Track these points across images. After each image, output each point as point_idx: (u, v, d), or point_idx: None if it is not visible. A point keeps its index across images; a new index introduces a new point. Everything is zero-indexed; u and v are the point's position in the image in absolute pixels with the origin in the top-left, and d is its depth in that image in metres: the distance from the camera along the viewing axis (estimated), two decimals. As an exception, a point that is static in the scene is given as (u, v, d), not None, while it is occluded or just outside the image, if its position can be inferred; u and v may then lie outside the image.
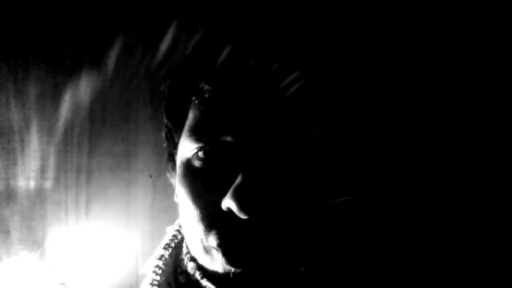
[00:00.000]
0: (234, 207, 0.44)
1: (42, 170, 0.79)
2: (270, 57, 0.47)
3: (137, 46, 0.77)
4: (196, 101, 0.49)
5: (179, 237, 0.59)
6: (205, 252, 0.49)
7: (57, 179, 0.80)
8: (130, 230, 0.83)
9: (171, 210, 0.87)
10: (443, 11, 0.61)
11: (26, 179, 0.78)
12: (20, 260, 0.76)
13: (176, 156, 0.54)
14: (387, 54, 0.57)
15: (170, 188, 0.86)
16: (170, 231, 0.60)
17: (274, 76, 0.46)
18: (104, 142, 0.83)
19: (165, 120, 0.56)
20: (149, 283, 0.54)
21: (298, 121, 0.46)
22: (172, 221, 0.65)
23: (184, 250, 0.55)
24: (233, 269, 0.46)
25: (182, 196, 0.50)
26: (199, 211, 0.48)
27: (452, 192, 0.61)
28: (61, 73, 0.76)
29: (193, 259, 0.52)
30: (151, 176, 0.84)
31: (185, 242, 0.55)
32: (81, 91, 0.79)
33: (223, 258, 0.46)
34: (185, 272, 0.54)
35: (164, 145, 0.58)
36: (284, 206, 0.46)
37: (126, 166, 0.84)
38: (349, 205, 0.51)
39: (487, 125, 0.61)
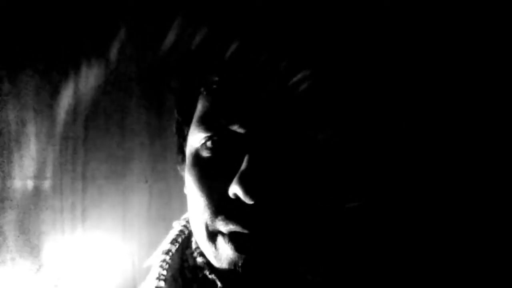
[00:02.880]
0: (240, 192, 0.44)
1: (38, 178, 0.77)
2: (278, 51, 0.48)
3: (134, 50, 0.78)
4: (205, 92, 0.50)
5: (186, 232, 0.58)
6: (210, 239, 0.49)
7: (52, 187, 0.79)
8: (126, 236, 0.82)
9: (168, 216, 0.87)
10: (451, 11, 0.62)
11: (21, 187, 0.76)
12: (15, 269, 0.73)
13: (185, 147, 0.55)
14: (398, 54, 0.58)
15: (166, 193, 0.86)
16: (177, 226, 0.59)
17: (282, 69, 0.47)
18: (99, 148, 0.82)
19: (175, 114, 0.57)
20: (155, 277, 0.54)
21: (306, 112, 0.47)
22: (169, 227, 0.64)
23: (193, 245, 0.55)
24: (238, 257, 0.46)
25: (190, 186, 0.51)
26: (206, 199, 0.48)
27: (459, 197, 0.61)
28: (55, 79, 0.76)
29: (202, 254, 0.53)
30: (146, 181, 0.83)
31: (193, 238, 0.55)
32: (76, 98, 0.79)
33: (230, 246, 0.46)
34: (192, 267, 0.54)
35: (175, 138, 0.59)
36: (290, 194, 0.47)
37: (122, 172, 0.83)
38: (357, 210, 0.52)
39: (496, 129, 0.62)
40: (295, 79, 0.47)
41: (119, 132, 0.83)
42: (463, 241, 0.60)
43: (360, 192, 0.54)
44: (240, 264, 0.46)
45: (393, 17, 0.60)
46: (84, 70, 0.77)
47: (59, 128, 0.79)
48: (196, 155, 0.51)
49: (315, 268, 0.50)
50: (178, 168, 0.60)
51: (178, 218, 0.64)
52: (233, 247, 0.46)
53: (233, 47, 0.49)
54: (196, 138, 0.50)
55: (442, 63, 0.62)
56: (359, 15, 0.57)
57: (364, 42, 0.56)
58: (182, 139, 0.56)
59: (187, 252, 0.55)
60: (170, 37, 0.72)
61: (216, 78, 0.49)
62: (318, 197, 0.49)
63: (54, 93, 0.76)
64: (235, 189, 0.45)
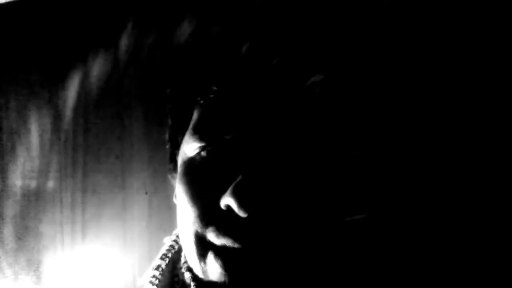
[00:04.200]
0: (233, 204, 0.43)
1: (38, 190, 0.78)
2: (288, 56, 0.47)
3: (134, 61, 0.78)
4: (201, 101, 0.49)
5: (176, 247, 0.58)
6: (200, 254, 0.47)
7: (52, 200, 0.79)
8: (126, 248, 0.82)
9: (168, 227, 0.87)
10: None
11: (20, 200, 0.77)
12: (16, 283, 0.74)
13: (177, 156, 0.54)
14: (419, 61, 0.57)
15: (166, 205, 0.86)
16: (168, 241, 0.59)
17: (293, 73, 0.46)
18: (99, 161, 0.82)
19: (169, 121, 0.57)
20: (146, 293, 0.54)
21: (315, 119, 0.46)
22: (169, 238, 0.64)
23: (182, 260, 0.54)
24: (225, 276, 0.45)
25: (180, 195, 0.50)
26: (197, 210, 0.47)
27: (474, 215, 0.59)
28: (53, 94, 0.77)
29: (189, 269, 0.51)
30: (146, 193, 0.83)
31: (183, 252, 0.54)
32: (74, 111, 0.79)
33: (219, 262, 0.45)
34: (182, 282, 0.53)
35: (168, 146, 0.58)
36: (288, 208, 0.45)
37: (121, 184, 0.83)
38: (362, 223, 0.50)
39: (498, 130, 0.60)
40: (306, 84, 0.45)
41: (118, 144, 0.83)
42: (480, 258, 0.57)
43: (365, 204, 0.52)
44: (227, 283, 0.45)
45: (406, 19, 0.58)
46: (85, 77, 0.77)
47: (58, 141, 0.80)
48: (189, 164, 0.50)
49: (313, 276, 0.49)
50: (169, 176, 0.59)
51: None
52: (222, 266, 0.45)
53: (239, 53, 0.48)
54: (190, 147, 0.49)
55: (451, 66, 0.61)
56: (370, 16, 0.56)
57: (377, 45, 0.55)
58: (175, 147, 0.56)
59: (178, 266, 0.55)
60: (171, 44, 0.72)
61: (215, 88, 0.48)
62: (319, 210, 0.47)
63: (52, 110, 0.76)
64: (228, 201, 0.43)
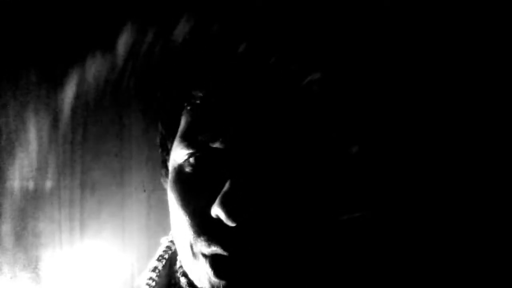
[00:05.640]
0: (221, 215, 0.43)
1: (36, 188, 0.78)
2: (284, 55, 0.46)
3: (133, 59, 0.78)
4: (188, 107, 0.49)
5: (173, 248, 0.58)
6: (193, 260, 0.48)
7: (50, 197, 0.79)
8: (125, 246, 0.82)
9: (166, 225, 0.87)
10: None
11: (19, 198, 0.77)
12: (14, 281, 0.74)
13: (168, 162, 0.54)
14: (419, 59, 0.56)
15: (165, 203, 0.86)
16: (164, 242, 0.59)
17: (289, 73, 0.45)
18: (98, 158, 0.82)
19: (159, 127, 0.56)
20: (142, 296, 0.54)
21: (306, 124, 0.46)
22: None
23: (178, 264, 0.54)
24: (218, 282, 0.45)
25: (172, 201, 0.50)
26: (188, 217, 0.47)
27: (477, 215, 0.58)
28: (51, 93, 0.77)
29: (185, 274, 0.52)
30: (144, 191, 0.83)
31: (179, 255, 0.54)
32: (73, 109, 0.79)
33: (211, 270, 0.45)
34: (179, 285, 0.53)
35: (159, 151, 0.58)
36: (278, 215, 0.45)
37: (120, 182, 0.83)
38: (361, 222, 0.50)
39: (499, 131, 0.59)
40: (304, 82, 0.45)
41: (117, 142, 0.83)
42: (483, 259, 0.57)
43: (363, 202, 0.52)
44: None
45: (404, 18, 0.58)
46: (83, 75, 0.77)
47: (57, 138, 0.80)
48: (179, 171, 0.50)
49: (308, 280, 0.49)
50: (162, 181, 0.59)
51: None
52: (214, 271, 0.45)
53: (235, 53, 0.47)
54: (179, 154, 0.49)
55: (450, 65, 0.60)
56: (369, 15, 0.55)
57: (375, 44, 0.54)
58: (166, 153, 0.56)
59: (175, 268, 0.55)
60: (169, 43, 0.72)
61: (200, 94, 0.48)
62: (310, 215, 0.47)
63: (51, 109, 0.76)
64: (216, 211, 0.44)
